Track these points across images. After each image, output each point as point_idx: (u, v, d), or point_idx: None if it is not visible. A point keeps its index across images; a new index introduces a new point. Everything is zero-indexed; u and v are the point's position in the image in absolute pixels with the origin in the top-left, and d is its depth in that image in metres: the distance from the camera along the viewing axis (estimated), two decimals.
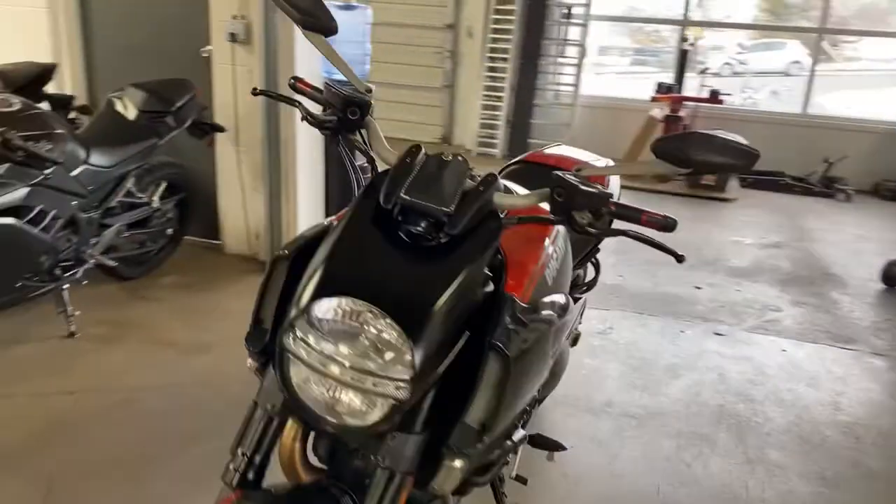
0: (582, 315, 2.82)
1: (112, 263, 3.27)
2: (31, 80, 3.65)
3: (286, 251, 1.35)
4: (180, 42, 4.05)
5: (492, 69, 7.70)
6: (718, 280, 4.39)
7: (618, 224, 1.29)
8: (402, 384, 1.12)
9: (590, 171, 1.32)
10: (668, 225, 1.27)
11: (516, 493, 2.18)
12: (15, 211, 2.60)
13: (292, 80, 1.55)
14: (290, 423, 1.45)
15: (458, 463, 1.23)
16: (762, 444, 2.67)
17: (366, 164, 1.49)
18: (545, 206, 1.30)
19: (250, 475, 1.31)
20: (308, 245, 1.33)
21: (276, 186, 3.87)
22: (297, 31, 3.95)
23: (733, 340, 3.55)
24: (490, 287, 1.32)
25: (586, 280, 2.77)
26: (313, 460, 1.45)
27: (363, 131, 1.46)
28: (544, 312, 1.38)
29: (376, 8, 8.01)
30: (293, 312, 1.17)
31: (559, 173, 1.27)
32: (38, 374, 2.77)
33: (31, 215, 2.67)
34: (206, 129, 3.65)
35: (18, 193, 2.58)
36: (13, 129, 2.51)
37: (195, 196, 3.83)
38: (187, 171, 3.72)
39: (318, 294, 1.16)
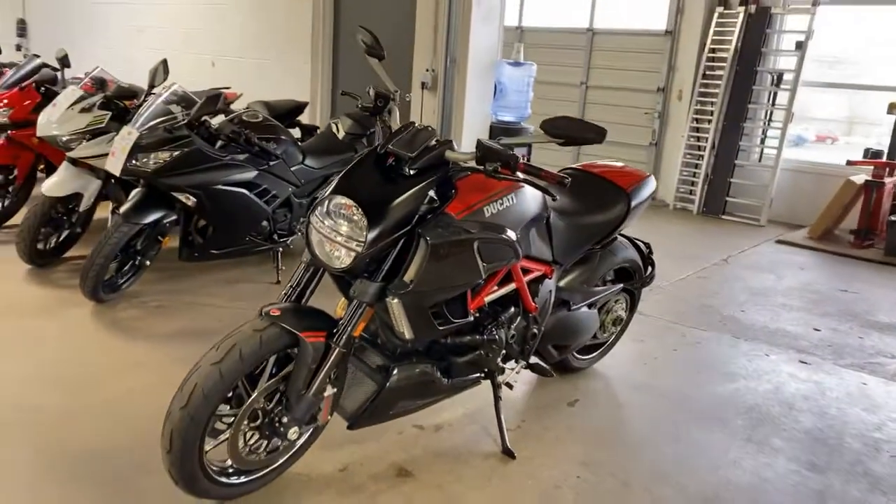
0: (632, 307, 3.39)
1: None
2: (289, 111, 5.20)
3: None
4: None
5: (696, 129, 8.14)
6: (847, 328, 4.44)
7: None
8: (361, 243, 2.02)
9: (507, 141, 2.13)
10: (563, 182, 2.04)
11: (525, 413, 2.86)
12: (248, 186, 3.94)
13: (368, 88, 2.56)
14: (342, 300, 2.42)
15: (395, 300, 2.08)
16: (772, 433, 2.97)
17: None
18: None
19: (292, 300, 2.28)
20: None
21: None
22: (469, 81, 5.01)
23: (815, 369, 3.71)
24: (436, 205, 2.16)
25: (644, 276, 3.36)
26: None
27: (388, 114, 2.40)
28: (466, 226, 2.16)
29: (594, 74, 8.95)
30: (316, 202, 2.13)
31: (480, 138, 2.09)
32: (248, 299, 4.07)
33: (258, 191, 4.00)
34: None
35: (251, 174, 3.93)
36: (254, 131, 3.86)
37: None
38: None
39: (331, 193, 2.11)
